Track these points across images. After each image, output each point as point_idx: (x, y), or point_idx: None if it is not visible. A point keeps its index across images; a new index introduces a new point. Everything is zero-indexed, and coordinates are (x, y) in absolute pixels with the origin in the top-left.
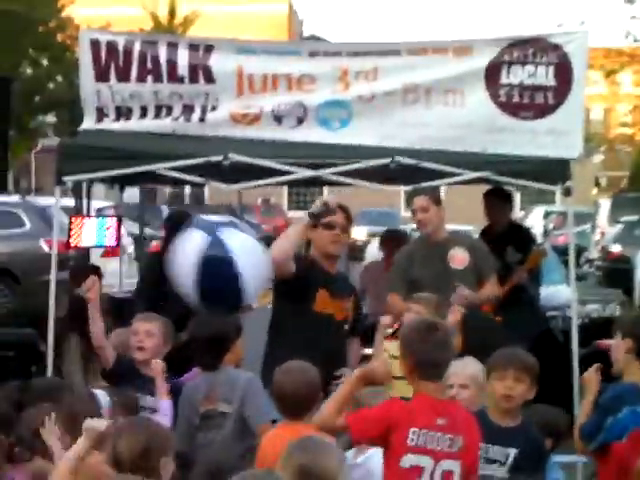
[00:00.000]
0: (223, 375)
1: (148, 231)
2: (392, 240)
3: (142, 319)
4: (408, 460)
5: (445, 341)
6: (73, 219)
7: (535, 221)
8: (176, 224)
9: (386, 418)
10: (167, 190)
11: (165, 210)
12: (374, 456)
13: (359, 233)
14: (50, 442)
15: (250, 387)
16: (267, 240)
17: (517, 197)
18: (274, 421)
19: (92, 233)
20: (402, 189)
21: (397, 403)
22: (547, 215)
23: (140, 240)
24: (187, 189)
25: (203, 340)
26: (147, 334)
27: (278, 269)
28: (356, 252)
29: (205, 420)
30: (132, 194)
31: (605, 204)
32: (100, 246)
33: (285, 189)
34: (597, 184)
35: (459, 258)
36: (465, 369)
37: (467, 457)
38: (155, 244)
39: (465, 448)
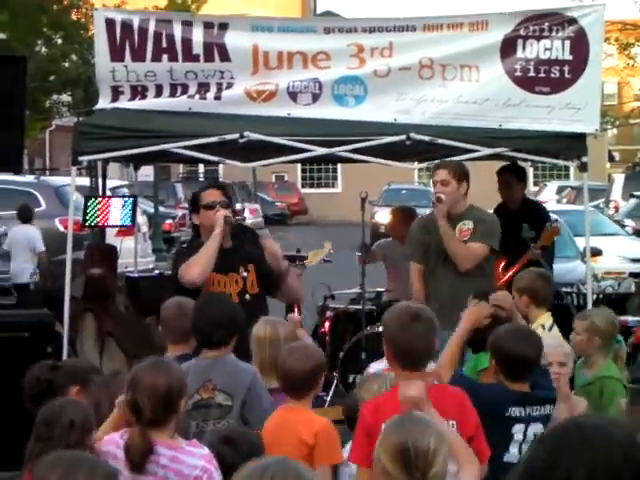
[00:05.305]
0: (224, 364)
1: (162, 209)
2: (401, 217)
3: None
4: None
5: (426, 331)
6: (100, 200)
7: (549, 196)
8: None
9: (364, 431)
10: (181, 168)
11: (179, 188)
12: None
13: (382, 217)
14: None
15: (255, 386)
16: (280, 217)
17: (530, 172)
18: None
19: (118, 213)
20: (416, 166)
21: (365, 409)
22: (561, 190)
23: (155, 218)
24: (201, 166)
25: (213, 318)
26: None
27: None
28: (380, 236)
29: (200, 409)
30: (144, 172)
31: (619, 178)
32: (124, 226)
33: (299, 166)
34: (611, 158)
35: (464, 230)
36: (563, 348)
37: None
38: (169, 222)
39: (460, 431)
